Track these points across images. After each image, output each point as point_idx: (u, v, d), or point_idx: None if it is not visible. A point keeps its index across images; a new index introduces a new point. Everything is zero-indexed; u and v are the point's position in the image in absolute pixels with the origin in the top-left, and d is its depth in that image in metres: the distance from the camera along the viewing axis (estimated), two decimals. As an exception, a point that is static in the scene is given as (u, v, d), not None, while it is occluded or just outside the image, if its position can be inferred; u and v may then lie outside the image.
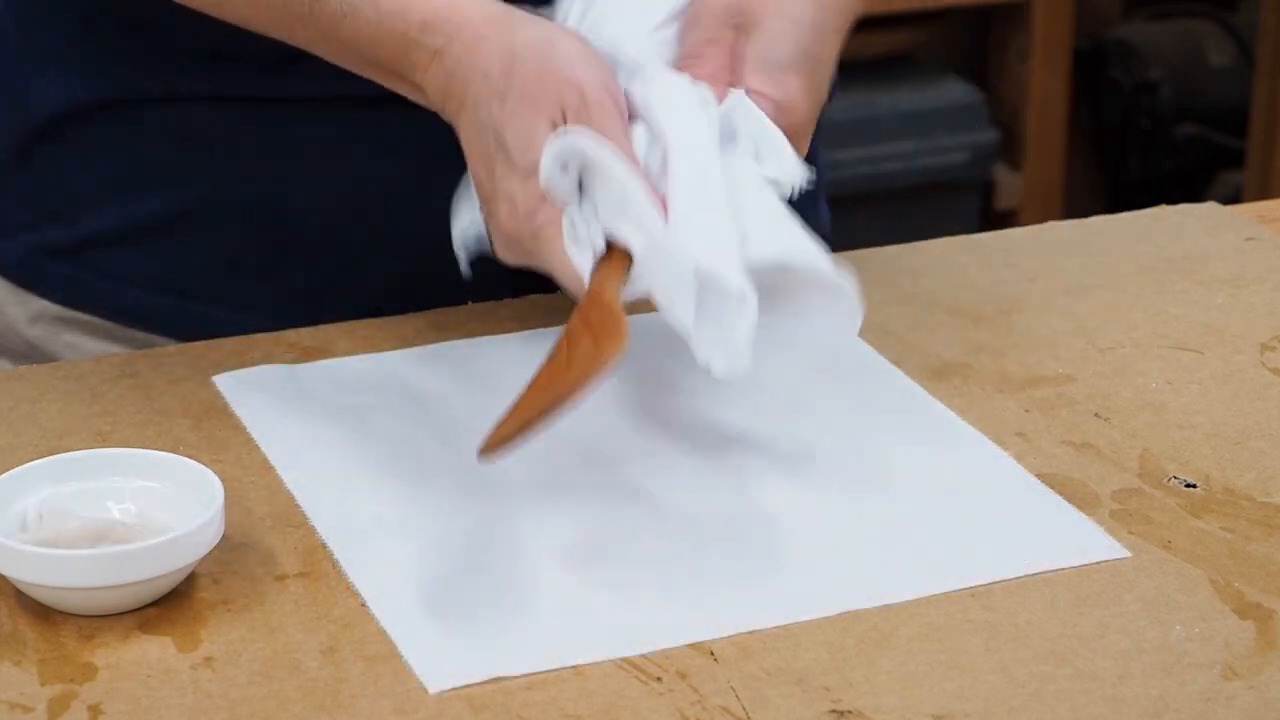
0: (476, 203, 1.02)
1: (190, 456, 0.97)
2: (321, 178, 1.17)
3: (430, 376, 1.10)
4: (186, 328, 1.19)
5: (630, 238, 0.97)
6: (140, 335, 1.20)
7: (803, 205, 1.32)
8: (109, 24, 1.16)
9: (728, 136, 1.01)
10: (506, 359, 1.12)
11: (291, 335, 1.15)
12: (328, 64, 1.13)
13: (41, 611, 0.91)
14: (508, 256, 1.01)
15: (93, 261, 1.20)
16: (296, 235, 1.18)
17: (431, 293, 1.17)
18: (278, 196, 1.17)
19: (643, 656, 0.88)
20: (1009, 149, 3.10)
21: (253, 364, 1.12)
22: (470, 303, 1.18)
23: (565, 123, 0.98)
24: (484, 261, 1.15)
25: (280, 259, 1.18)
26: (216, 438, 1.05)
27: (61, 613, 0.91)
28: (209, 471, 0.94)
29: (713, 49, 1.03)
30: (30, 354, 1.23)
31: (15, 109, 1.20)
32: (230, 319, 1.18)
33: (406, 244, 1.18)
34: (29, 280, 1.23)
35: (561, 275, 0.99)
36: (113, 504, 0.95)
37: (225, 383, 1.09)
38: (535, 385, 0.95)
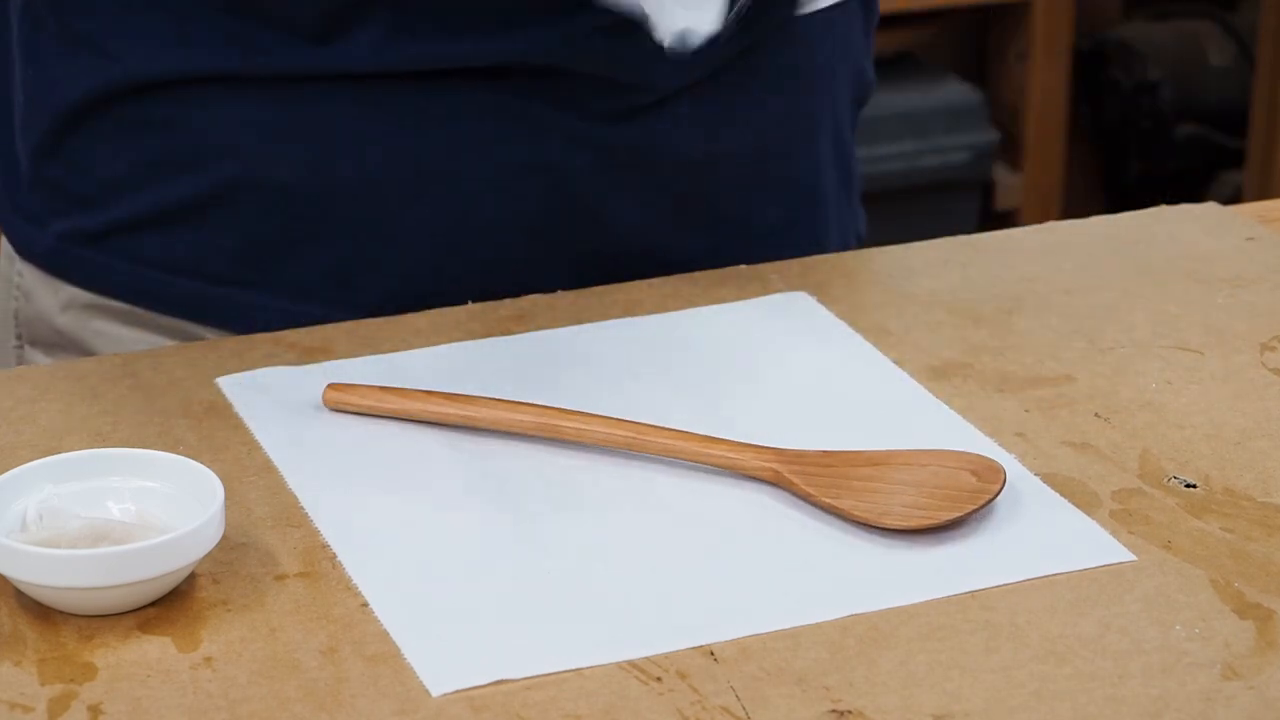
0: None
1: (190, 456, 0.97)
2: (352, 158, 1.16)
3: (431, 377, 1.10)
4: (215, 312, 1.19)
5: None
6: (168, 321, 1.19)
7: (840, 207, 1.33)
8: (141, 7, 1.16)
9: None
10: (508, 359, 1.12)
11: (291, 335, 1.15)
12: (360, 41, 1.12)
13: (41, 611, 0.91)
14: None
15: (122, 247, 1.19)
16: (326, 216, 1.17)
17: (463, 273, 1.16)
18: (307, 177, 1.16)
19: (643, 657, 0.88)
20: (1009, 149, 3.10)
21: (253, 364, 1.11)
22: (471, 302, 1.18)
23: None
24: (493, 260, 1.14)
25: (309, 241, 1.18)
26: (216, 438, 1.05)
27: (61, 613, 0.91)
28: (209, 471, 0.94)
29: None
30: (61, 342, 1.23)
31: (47, 97, 1.20)
32: (258, 303, 1.18)
33: (437, 223, 1.17)
34: (59, 268, 1.23)
35: None
36: (113, 504, 0.95)
37: (227, 383, 1.09)
38: None
